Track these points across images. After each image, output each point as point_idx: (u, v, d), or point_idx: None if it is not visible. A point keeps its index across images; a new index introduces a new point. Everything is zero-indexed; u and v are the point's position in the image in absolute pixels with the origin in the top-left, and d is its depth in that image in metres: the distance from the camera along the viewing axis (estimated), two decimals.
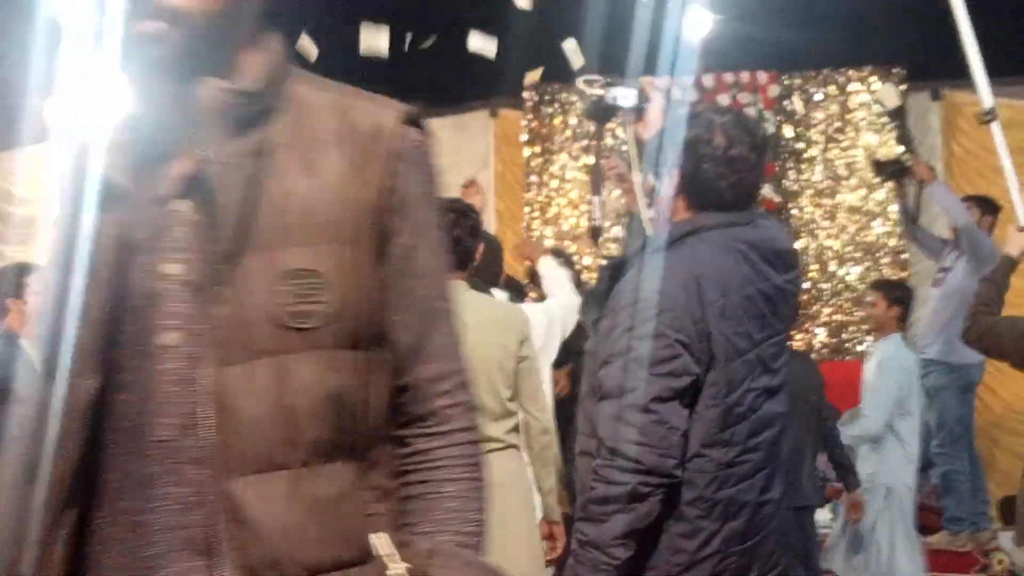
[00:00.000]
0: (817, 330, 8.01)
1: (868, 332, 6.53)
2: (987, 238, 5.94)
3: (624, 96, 2.88)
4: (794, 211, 8.32)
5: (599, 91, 2.89)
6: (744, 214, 2.58)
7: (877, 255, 8.13)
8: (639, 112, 2.89)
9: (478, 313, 3.48)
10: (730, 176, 2.54)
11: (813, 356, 7.07)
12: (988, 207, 6.20)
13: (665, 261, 2.48)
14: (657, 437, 2.34)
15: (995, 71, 4.03)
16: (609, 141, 7.35)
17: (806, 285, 8.05)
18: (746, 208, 2.60)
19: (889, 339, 5.62)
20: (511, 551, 3.35)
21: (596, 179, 7.61)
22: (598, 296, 2.70)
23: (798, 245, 8.28)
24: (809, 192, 8.31)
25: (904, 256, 8.06)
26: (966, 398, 5.96)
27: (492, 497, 2.59)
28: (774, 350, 2.58)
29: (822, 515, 6.61)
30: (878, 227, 8.13)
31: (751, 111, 8.24)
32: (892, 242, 8.09)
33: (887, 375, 5.37)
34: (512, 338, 3.04)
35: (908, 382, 5.38)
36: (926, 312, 6.20)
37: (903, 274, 8.04)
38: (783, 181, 8.32)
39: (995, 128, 4.47)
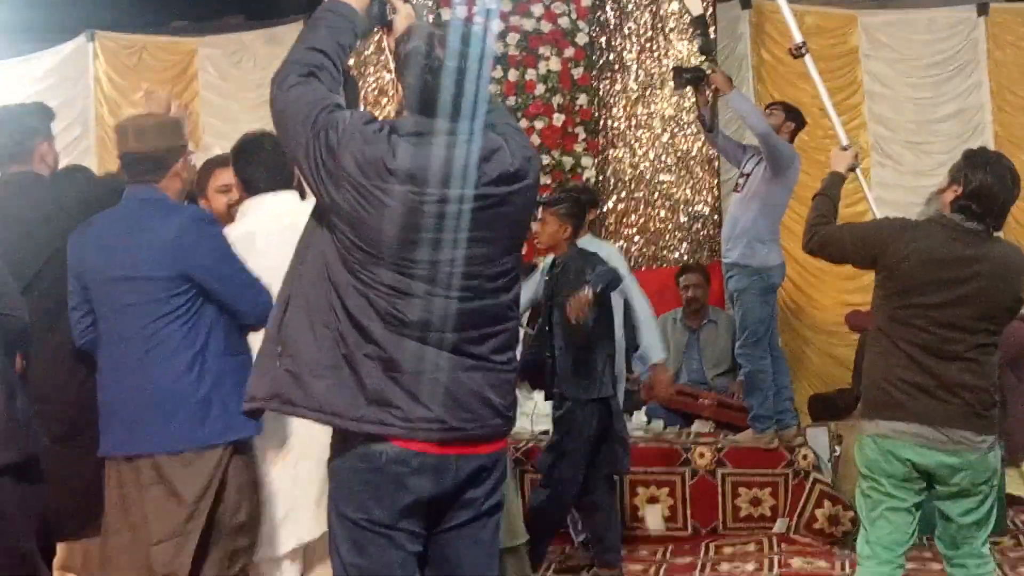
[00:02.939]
0: (635, 238, 8.10)
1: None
2: (785, 143, 6.04)
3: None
4: (608, 120, 8.31)
5: None
6: (473, 124, 2.62)
7: (690, 163, 8.20)
8: (388, 24, 2.92)
9: None
10: (451, 87, 2.57)
11: (630, 264, 7.12)
12: (792, 113, 6.31)
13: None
14: None
15: None
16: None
17: (622, 194, 8.13)
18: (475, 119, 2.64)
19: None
20: None
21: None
22: None
23: (615, 154, 8.29)
24: (623, 102, 8.30)
25: (716, 164, 8.16)
26: (767, 299, 6.08)
27: None
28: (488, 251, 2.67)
29: (638, 417, 6.78)
30: (691, 135, 8.18)
31: (564, 21, 8.17)
32: (705, 150, 8.16)
33: None
34: None
35: None
36: (727, 217, 6.30)
37: (714, 181, 8.14)
38: (597, 91, 8.29)
39: (808, 61, 4.67)
